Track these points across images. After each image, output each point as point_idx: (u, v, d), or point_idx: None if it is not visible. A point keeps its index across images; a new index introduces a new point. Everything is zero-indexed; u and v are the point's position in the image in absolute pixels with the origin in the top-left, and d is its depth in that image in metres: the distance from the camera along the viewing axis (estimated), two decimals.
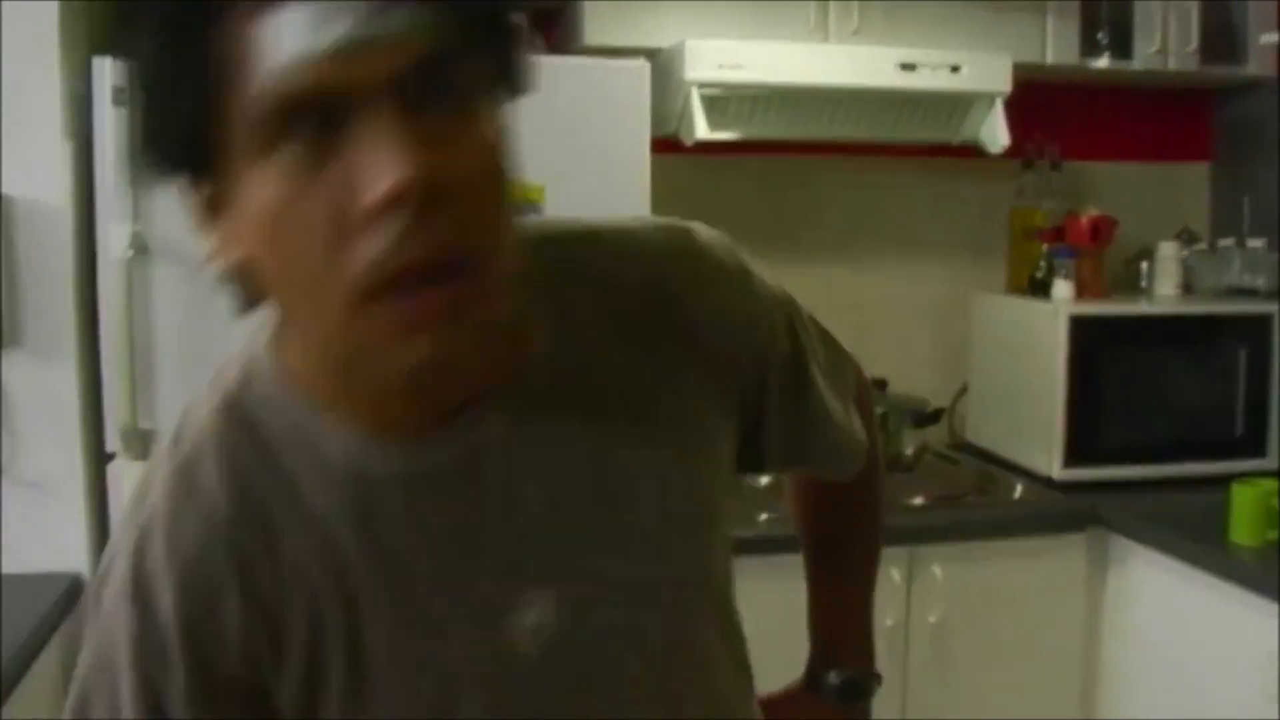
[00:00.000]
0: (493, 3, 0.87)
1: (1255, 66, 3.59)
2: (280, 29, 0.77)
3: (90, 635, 0.99)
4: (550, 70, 2.67)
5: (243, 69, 0.78)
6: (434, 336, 0.82)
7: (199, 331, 2.47)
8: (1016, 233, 3.68)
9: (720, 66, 2.98)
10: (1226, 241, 3.65)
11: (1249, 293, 3.55)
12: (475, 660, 0.99)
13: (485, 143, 0.84)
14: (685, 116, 3.02)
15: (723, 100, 3.07)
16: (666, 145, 2.99)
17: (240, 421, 0.96)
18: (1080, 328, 3.24)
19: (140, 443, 2.45)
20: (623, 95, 2.74)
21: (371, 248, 0.78)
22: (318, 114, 0.78)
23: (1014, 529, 3.05)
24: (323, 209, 0.79)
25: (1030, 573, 3.02)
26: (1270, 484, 2.81)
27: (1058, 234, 3.50)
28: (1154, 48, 3.46)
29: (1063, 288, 3.36)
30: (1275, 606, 2.54)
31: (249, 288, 0.88)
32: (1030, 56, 3.32)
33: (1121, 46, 3.47)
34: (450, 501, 0.96)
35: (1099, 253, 3.49)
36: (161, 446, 1.00)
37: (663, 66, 2.98)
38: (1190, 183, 3.96)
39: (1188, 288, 3.62)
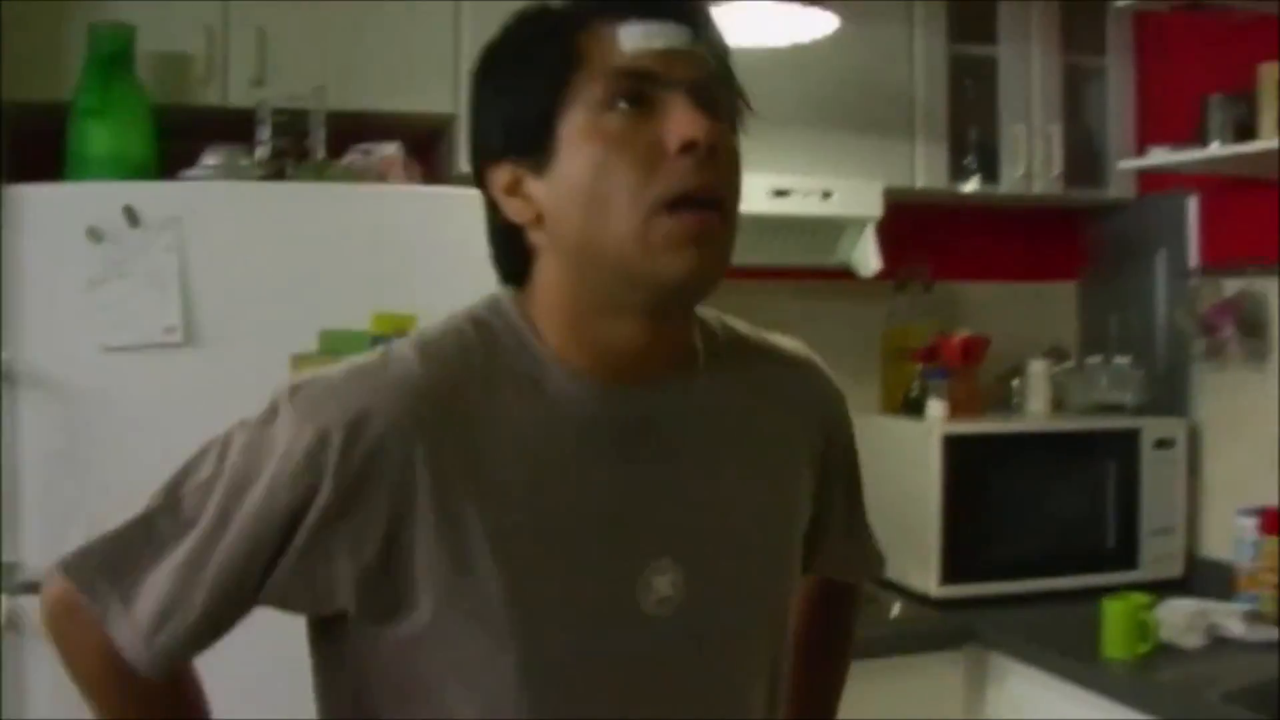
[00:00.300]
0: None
1: (1116, 189, 3.74)
2: (630, 33, 1.15)
3: (269, 419, 1.16)
4: (426, 199, 2.69)
5: (593, 59, 1.15)
6: (698, 252, 1.13)
7: (66, 462, 2.42)
8: (890, 353, 3.73)
9: None
10: (1095, 359, 3.74)
11: (1117, 408, 3.64)
12: (600, 609, 1.18)
13: (735, 145, 1.21)
14: None
15: None
16: None
17: (482, 331, 1.22)
18: (954, 446, 3.30)
19: (4, 576, 2.39)
20: None
21: (675, 173, 1.13)
22: (639, 93, 1.14)
23: (893, 648, 3.06)
24: (642, 148, 1.13)
25: (910, 692, 3.03)
26: (1140, 598, 2.87)
27: (930, 354, 3.55)
28: (1020, 172, 3.58)
29: (936, 407, 3.42)
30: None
31: (518, 253, 1.23)
32: (900, 181, 3.42)
33: (988, 171, 3.59)
34: (625, 455, 1.20)
35: (971, 372, 3.56)
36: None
37: None
38: (1059, 301, 4.05)
39: (1058, 404, 3.71)
